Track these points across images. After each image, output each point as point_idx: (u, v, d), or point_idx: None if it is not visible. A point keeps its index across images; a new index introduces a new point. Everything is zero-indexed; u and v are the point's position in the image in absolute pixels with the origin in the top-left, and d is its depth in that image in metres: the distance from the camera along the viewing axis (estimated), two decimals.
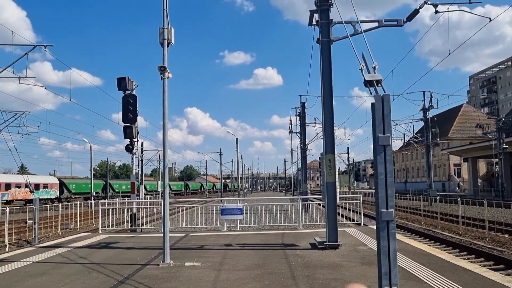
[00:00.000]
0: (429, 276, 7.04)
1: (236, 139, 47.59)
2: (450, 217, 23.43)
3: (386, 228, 5.04)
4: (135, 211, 18.21)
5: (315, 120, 40.16)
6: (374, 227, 15.50)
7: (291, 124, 45.54)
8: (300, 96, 40.11)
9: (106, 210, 20.19)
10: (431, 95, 40.61)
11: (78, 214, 25.97)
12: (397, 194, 47.82)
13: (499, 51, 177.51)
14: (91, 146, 53.43)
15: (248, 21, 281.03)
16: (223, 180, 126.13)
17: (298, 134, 42.87)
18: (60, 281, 7.40)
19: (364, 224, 15.79)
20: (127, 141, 18.47)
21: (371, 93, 5.56)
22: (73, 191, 67.67)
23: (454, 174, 73.26)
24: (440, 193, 48.09)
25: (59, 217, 23.61)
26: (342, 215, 20.21)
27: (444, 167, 73.14)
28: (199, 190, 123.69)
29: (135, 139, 19.34)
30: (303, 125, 39.08)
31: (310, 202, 22.20)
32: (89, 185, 57.64)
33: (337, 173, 10.45)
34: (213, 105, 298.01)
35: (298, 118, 40.67)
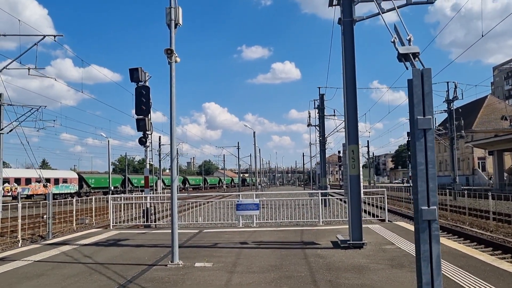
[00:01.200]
0: (472, 283, 6.14)
1: (254, 132, 46.86)
2: (478, 213, 22.24)
3: (428, 229, 4.17)
4: (148, 206, 17.63)
5: (334, 112, 39.09)
6: (400, 223, 14.52)
7: (309, 117, 44.54)
8: (319, 88, 39.11)
9: (122, 205, 19.73)
10: (455, 86, 39.16)
11: (93, 209, 25.56)
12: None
13: (507, 49, 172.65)
14: (108, 141, 53.47)
15: (266, 15, 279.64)
16: (241, 175, 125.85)
17: (316, 127, 41.88)
18: (56, 284, 6.73)
19: (388, 221, 14.85)
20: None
21: (406, 68, 4.69)
22: (92, 185, 67.91)
23: (479, 167, 71.15)
24: (465, 187, 46.50)
25: (74, 212, 23.24)
26: (364, 211, 19.26)
27: (468, 161, 71.10)
28: (217, 185, 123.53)
29: (149, 132, 18.77)
30: (322, 117, 38.06)
31: (330, 197, 21.33)
32: (108, 180, 57.72)
33: (361, 165, 9.56)
34: (231, 100, 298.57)
35: (316, 111, 39.70)
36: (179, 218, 16.18)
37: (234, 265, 7.87)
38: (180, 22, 8.41)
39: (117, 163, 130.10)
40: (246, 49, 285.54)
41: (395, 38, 5.05)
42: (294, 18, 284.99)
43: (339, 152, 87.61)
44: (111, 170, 58.33)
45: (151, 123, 18.69)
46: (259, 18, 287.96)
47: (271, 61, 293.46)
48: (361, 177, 9.64)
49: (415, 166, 4.28)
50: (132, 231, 13.93)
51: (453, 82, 39.63)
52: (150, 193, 22.78)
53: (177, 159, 72.06)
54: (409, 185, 69.99)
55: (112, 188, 59.14)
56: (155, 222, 17.89)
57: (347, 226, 13.24)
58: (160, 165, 69.01)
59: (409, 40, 5.00)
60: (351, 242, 9.27)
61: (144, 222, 17.14)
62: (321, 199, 14.92)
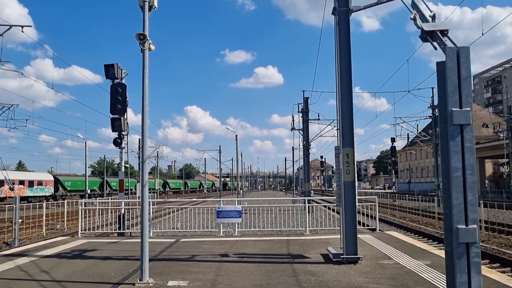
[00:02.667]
0: None
1: (236, 136, 45.71)
2: None
3: (466, 254, 3.21)
4: (123, 212, 16.40)
5: (318, 116, 38.34)
6: (392, 233, 13.60)
7: (293, 120, 43.67)
8: (303, 91, 38.27)
9: (96, 209, 18.45)
10: None
11: (65, 213, 24.08)
12: (399, 195, 45.99)
13: (501, 52, 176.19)
14: (85, 142, 51.69)
15: (249, 20, 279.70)
16: (222, 179, 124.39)
17: (300, 131, 41.01)
18: None
19: (379, 230, 13.95)
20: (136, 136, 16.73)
21: (435, 48, 3.73)
22: (68, 188, 65.83)
23: None
24: None
25: (43, 217, 21.79)
26: None
27: None
28: (198, 189, 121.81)
29: (124, 132, 17.60)
30: (306, 121, 37.20)
31: (315, 204, 20.43)
32: (85, 183, 55.85)
33: (356, 171, 8.61)
34: (213, 104, 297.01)
35: (300, 115, 38.85)
36: (154, 225, 15.01)
37: (213, 284, 6.80)
38: (155, 4, 7.35)
39: (96, 166, 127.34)
40: (229, 53, 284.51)
41: (415, 14, 4.09)
42: (278, 24, 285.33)
43: (321, 157, 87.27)
44: (88, 173, 56.44)
45: (127, 123, 17.54)
46: (243, 22, 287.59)
47: (254, 66, 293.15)
48: (356, 183, 8.70)
49: (448, 172, 3.32)
50: (102, 240, 12.70)
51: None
52: (125, 198, 21.51)
53: (157, 161, 70.13)
54: (391, 191, 69.69)
55: (89, 191, 57.22)
56: (129, 229, 16.70)
57: (336, 236, 12.32)
58: (140, 168, 67.39)
59: (433, 17, 4.05)
60: (345, 256, 8.29)
61: (117, 229, 15.93)
62: (307, 207, 13.94)
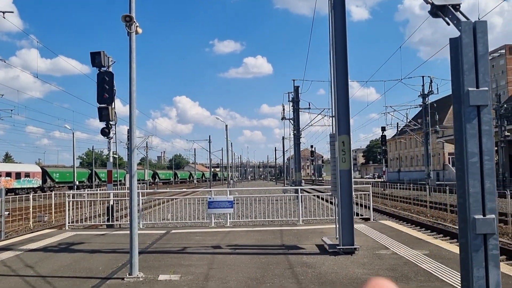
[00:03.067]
0: None
1: (226, 125, 45.31)
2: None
3: (483, 247, 2.96)
4: (112, 203, 16.04)
5: (309, 105, 38.12)
6: (386, 222, 13.44)
7: (283, 110, 43.41)
8: (293, 80, 38.02)
9: (84, 201, 18.07)
10: (431, 80, 38.73)
11: (53, 206, 23.62)
12: (392, 184, 46.10)
13: (489, 42, 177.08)
14: (73, 133, 50.97)
15: (238, 10, 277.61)
16: (212, 169, 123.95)
17: (290, 120, 40.77)
18: None
19: (373, 219, 13.77)
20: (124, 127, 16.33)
21: (448, 24, 3.45)
22: (56, 180, 64.91)
23: (449, 163, 71.85)
24: (438, 183, 46.42)
25: (30, 209, 21.38)
26: None
27: (439, 156, 71.69)
28: (188, 179, 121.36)
29: (112, 122, 17.19)
30: (296, 110, 36.99)
31: (306, 193, 20.25)
32: (73, 174, 55.17)
33: (352, 159, 8.36)
34: (202, 94, 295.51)
35: (291, 104, 38.58)
36: (144, 217, 14.70)
37: (206, 278, 6.52)
38: None
39: (85, 157, 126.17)
40: (218, 43, 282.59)
41: None
42: (267, 13, 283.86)
43: (311, 146, 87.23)
44: (76, 164, 55.75)
45: (115, 112, 17.15)
46: (232, 12, 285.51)
47: (243, 56, 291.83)
48: (352, 172, 8.46)
49: (463, 158, 3.05)
50: (90, 232, 12.35)
51: (429, 76, 39.25)
52: (114, 189, 21.16)
53: (146, 152, 69.53)
54: (381, 180, 69.93)
55: (78, 183, 56.56)
56: (118, 221, 16.35)
57: (330, 226, 12.12)
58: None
59: None
60: (341, 247, 8.06)
61: (106, 221, 15.58)
62: (301, 197, 13.71)
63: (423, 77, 40.15)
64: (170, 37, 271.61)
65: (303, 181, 39.44)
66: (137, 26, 6.84)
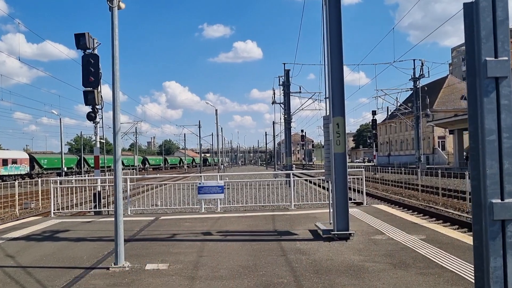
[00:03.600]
0: None
1: (216, 110, 44.88)
2: (450, 193, 21.51)
3: (501, 234, 2.67)
4: (99, 189, 15.66)
5: (300, 89, 37.76)
6: (379, 206, 13.22)
7: (274, 94, 43.10)
8: (284, 64, 37.53)
9: (72, 187, 17.68)
10: (422, 63, 38.48)
11: (40, 192, 23.16)
12: (382, 168, 46.16)
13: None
14: (60, 119, 50.18)
15: None
16: (203, 154, 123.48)
17: (281, 105, 40.38)
18: None
19: (366, 204, 13.57)
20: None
21: None
22: (44, 166, 64.12)
23: (438, 146, 72.22)
24: (428, 166, 46.57)
25: (16, 196, 20.91)
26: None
27: (429, 140, 71.97)
28: (178, 165, 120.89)
29: (98, 106, 16.76)
30: (287, 94, 36.58)
31: (296, 178, 20.04)
32: (61, 160, 54.43)
33: (346, 141, 8.05)
34: (192, 79, 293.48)
35: (281, 88, 38.14)
36: (132, 203, 14.35)
37: (195, 266, 6.22)
38: None
39: (73, 143, 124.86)
40: (207, 28, 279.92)
41: None
42: None
43: (302, 131, 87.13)
44: (65, 150, 54.98)
45: (101, 96, 16.71)
46: None
47: (233, 40, 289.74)
48: (347, 155, 8.17)
49: (478, 136, 2.74)
50: (76, 220, 11.99)
51: (420, 59, 38.99)
52: (102, 175, 20.74)
53: (136, 138, 68.75)
54: (372, 164, 70.13)
55: (66, 169, 55.85)
56: (106, 207, 15.99)
57: (323, 211, 11.88)
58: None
59: None
60: (335, 232, 7.79)
61: (93, 208, 15.21)
62: (293, 181, 13.44)
63: (414, 60, 39.92)
64: (159, 21, 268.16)
65: (294, 165, 39.27)
66: (119, 1, 6.40)
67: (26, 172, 58.24)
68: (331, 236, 7.87)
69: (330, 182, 8.28)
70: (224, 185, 12.79)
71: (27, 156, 61.23)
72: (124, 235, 8.76)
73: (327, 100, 8.58)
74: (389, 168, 41.08)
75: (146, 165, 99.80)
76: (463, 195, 19.25)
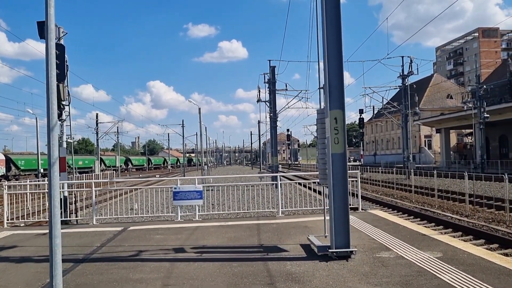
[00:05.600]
0: None
1: (199, 109, 43.14)
2: (446, 194, 20.37)
3: None
4: (66, 195, 14.06)
5: (286, 86, 36.41)
6: (376, 212, 11.76)
7: (259, 92, 41.55)
8: (269, 61, 36.09)
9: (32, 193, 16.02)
10: (411, 60, 37.51)
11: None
12: (369, 168, 45.16)
13: (460, 26, 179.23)
14: (36, 118, 48.08)
15: None
16: (187, 155, 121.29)
17: (267, 103, 38.97)
18: None
19: (362, 209, 12.22)
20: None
21: None
22: (22, 167, 61.63)
23: (425, 145, 71.64)
24: (417, 165, 45.65)
25: None
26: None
27: (415, 139, 71.29)
28: (162, 165, 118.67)
29: (65, 102, 15.19)
30: (273, 92, 35.15)
31: (287, 181, 18.68)
32: (41, 161, 52.19)
33: (346, 139, 6.65)
34: (177, 79, 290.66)
35: (267, 85, 36.72)
36: (98, 211, 12.79)
37: None
38: None
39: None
40: (192, 27, 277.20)
41: None
42: None
43: (288, 130, 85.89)
44: (40, 151, 52.79)
45: (68, 91, 15.15)
46: None
47: (218, 40, 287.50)
48: (347, 156, 6.79)
49: None
50: (31, 232, 10.39)
51: (409, 56, 38.01)
52: (71, 178, 19.10)
53: (117, 137, 66.58)
54: (358, 163, 69.20)
55: (43, 170, 53.62)
56: (74, 215, 14.39)
57: (315, 218, 10.48)
58: (97, 145, 63.94)
59: None
60: (334, 250, 6.41)
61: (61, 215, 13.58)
62: (281, 185, 12.03)
63: (402, 57, 38.97)
64: (144, 21, 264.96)
65: (280, 165, 37.91)
66: None
67: (2, 174, 55.85)
68: (328, 254, 6.48)
69: (327, 187, 6.89)
70: (203, 190, 11.33)
71: (3, 157, 58.78)
72: (79, 253, 7.27)
73: (321, 91, 7.22)
74: (379, 168, 40.01)
75: (129, 166, 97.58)
76: (462, 197, 18.10)
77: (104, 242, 8.48)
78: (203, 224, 10.34)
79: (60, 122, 15.24)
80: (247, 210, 12.75)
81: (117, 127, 69.58)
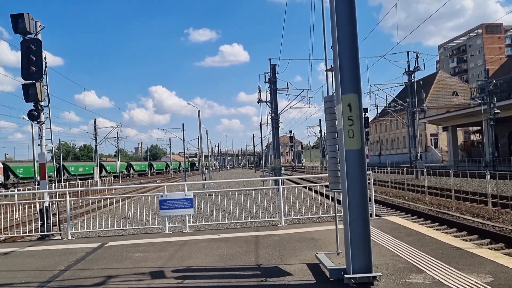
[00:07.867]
0: None
1: (198, 111, 41.80)
2: (463, 195, 18.83)
3: None
4: (47, 205, 12.60)
5: (287, 85, 34.99)
6: (393, 219, 9.80)
7: (260, 92, 40.12)
8: (270, 59, 34.67)
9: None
10: (417, 55, 35.95)
11: None
12: (376, 168, 43.71)
13: (461, 24, 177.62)
14: (32, 125, 46.73)
15: None
16: (190, 159, 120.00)
17: (268, 103, 37.52)
18: None
19: (376, 215, 10.69)
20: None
21: None
22: (20, 175, 60.38)
23: (431, 144, 69.99)
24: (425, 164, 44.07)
25: None
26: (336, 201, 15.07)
27: (421, 137, 69.64)
28: (164, 170, 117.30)
29: (43, 103, 13.77)
30: (274, 91, 33.68)
31: (294, 184, 17.19)
32: (34, 169, 50.88)
33: (363, 132, 5.19)
34: (179, 83, 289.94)
35: (267, 85, 35.28)
36: (74, 225, 11.34)
37: None
38: None
39: (56, 151, 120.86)
40: (193, 32, 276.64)
41: None
42: (242, 0, 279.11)
43: (290, 132, 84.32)
44: (36, 158, 51.50)
45: (47, 90, 13.82)
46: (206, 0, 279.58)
47: (219, 44, 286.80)
48: (366, 152, 5.34)
49: None
50: (6, 250, 8.92)
51: (414, 51, 36.48)
52: (52, 187, 17.67)
53: (117, 143, 65.15)
54: None
55: (39, 178, 52.41)
56: (57, 227, 12.94)
57: (322, 228, 9.05)
58: (96, 150, 62.66)
59: None
60: (352, 276, 4.94)
61: (40, 228, 12.03)
62: (283, 189, 10.56)
63: (408, 52, 37.41)
64: (145, 26, 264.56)
65: (283, 168, 36.45)
66: None
67: (0, 182, 54.63)
68: (345, 281, 5.02)
69: (340, 193, 5.44)
70: (194, 198, 9.87)
71: (1, 165, 57.57)
72: (34, 281, 5.86)
73: (330, 73, 5.77)
74: (385, 168, 38.49)
75: (131, 171, 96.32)
76: (479, 197, 16.58)
77: (71, 264, 7.03)
78: (193, 238, 8.88)
79: (38, 125, 13.87)
80: (245, 219, 11.27)
81: (117, 132, 68.35)
